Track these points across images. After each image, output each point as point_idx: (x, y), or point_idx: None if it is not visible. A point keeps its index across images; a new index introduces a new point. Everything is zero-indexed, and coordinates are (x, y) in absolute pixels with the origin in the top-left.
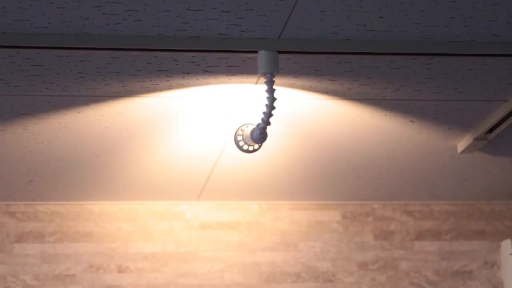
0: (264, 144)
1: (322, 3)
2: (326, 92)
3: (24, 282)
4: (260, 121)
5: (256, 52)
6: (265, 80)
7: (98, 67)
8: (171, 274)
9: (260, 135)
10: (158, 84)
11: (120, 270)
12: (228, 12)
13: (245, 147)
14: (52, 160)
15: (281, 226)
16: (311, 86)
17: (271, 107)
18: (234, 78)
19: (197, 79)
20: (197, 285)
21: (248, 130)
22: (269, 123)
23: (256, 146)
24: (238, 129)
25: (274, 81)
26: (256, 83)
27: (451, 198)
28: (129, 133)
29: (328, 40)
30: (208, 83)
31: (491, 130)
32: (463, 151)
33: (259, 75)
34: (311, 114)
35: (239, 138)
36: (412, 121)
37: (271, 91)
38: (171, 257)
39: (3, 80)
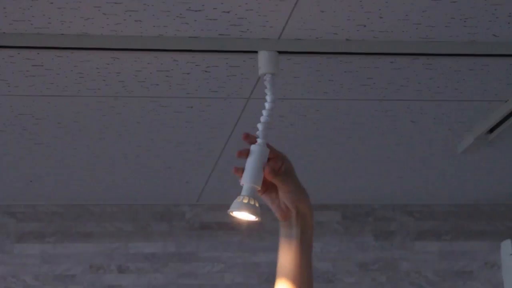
0: None
1: (322, 3)
2: (326, 92)
3: (24, 282)
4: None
5: (256, 52)
6: (265, 80)
7: (98, 67)
8: (171, 274)
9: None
10: (158, 84)
11: (120, 270)
12: (228, 12)
13: None
14: (52, 160)
15: None
16: (311, 86)
17: (271, 109)
18: (234, 78)
19: (197, 79)
20: (197, 285)
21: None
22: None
23: None
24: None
25: (274, 81)
26: (256, 83)
27: (451, 198)
28: (129, 133)
29: (328, 40)
30: (208, 83)
31: (491, 130)
32: (463, 151)
33: (259, 75)
34: (311, 114)
35: None
36: (412, 121)
37: (271, 91)
38: (171, 257)
39: (3, 80)
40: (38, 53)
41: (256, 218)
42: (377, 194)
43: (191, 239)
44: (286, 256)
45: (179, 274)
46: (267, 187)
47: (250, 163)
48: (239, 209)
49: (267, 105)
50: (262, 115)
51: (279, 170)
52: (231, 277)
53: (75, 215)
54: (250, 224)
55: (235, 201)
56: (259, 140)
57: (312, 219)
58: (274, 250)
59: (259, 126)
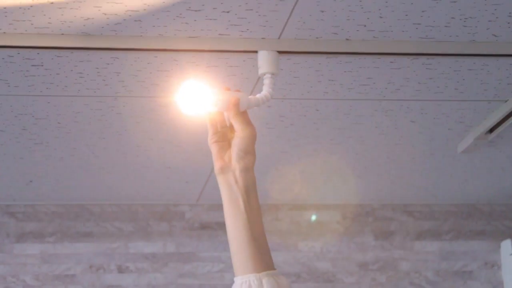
0: (264, 144)
1: (322, 3)
2: (326, 92)
3: (24, 282)
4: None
5: (256, 52)
6: (265, 80)
7: (98, 67)
8: (171, 274)
9: None
10: (158, 84)
11: (120, 270)
12: (228, 12)
13: None
14: (52, 160)
15: (281, 226)
16: (311, 86)
17: (264, 96)
18: (234, 78)
19: (197, 79)
20: (197, 285)
21: None
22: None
23: None
24: None
25: (274, 81)
26: (256, 83)
27: (451, 198)
28: (129, 133)
29: (328, 40)
30: (208, 83)
31: (491, 130)
32: (463, 151)
33: (259, 75)
34: (311, 114)
35: None
36: (412, 121)
37: (269, 87)
38: (171, 257)
39: (3, 80)
40: (38, 53)
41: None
42: (377, 194)
43: (191, 239)
44: (235, 221)
45: (179, 274)
46: (222, 135)
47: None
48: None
49: (261, 93)
50: (260, 111)
51: (244, 115)
52: (231, 277)
53: (75, 215)
54: None
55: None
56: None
57: (254, 178)
58: (274, 250)
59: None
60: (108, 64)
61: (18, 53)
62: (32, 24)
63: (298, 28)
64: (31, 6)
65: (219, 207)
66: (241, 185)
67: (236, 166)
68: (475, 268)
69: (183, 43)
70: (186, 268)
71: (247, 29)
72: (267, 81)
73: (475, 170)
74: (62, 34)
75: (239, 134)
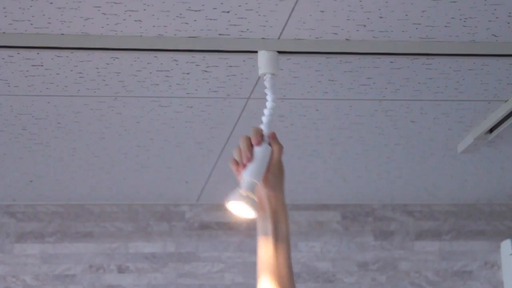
0: None
1: (322, 3)
2: (326, 92)
3: (24, 282)
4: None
5: (256, 52)
6: (265, 80)
7: (98, 67)
8: (171, 274)
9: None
10: (158, 84)
11: (120, 270)
12: (228, 12)
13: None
14: (52, 160)
15: None
16: (311, 86)
17: (272, 108)
18: (234, 78)
19: (197, 79)
20: (197, 285)
21: None
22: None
23: None
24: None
25: (274, 81)
26: (256, 83)
27: (451, 198)
28: (129, 133)
29: (328, 40)
30: (208, 83)
31: (491, 130)
32: (463, 151)
33: (259, 75)
34: (311, 114)
35: None
36: (412, 121)
37: (271, 90)
38: (171, 257)
39: (3, 80)
40: (38, 53)
41: (253, 213)
42: (377, 194)
43: (190, 239)
44: (263, 252)
45: (179, 274)
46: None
47: (256, 161)
48: (238, 199)
49: (268, 104)
50: (262, 114)
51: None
52: (231, 277)
53: (75, 215)
54: (250, 223)
55: (234, 191)
56: (264, 142)
57: (285, 217)
58: None
59: (263, 126)
60: (108, 64)
61: (18, 53)
62: (32, 24)
63: (298, 28)
64: (31, 6)
65: (219, 207)
66: (272, 223)
67: (267, 205)
68: (475, 268)
69: (183, 43)
70: (186, 268)
71: (247, 29)
72: (268, 84)
73: (475, 170)
74: (62, 34)
75: (268, 178)
